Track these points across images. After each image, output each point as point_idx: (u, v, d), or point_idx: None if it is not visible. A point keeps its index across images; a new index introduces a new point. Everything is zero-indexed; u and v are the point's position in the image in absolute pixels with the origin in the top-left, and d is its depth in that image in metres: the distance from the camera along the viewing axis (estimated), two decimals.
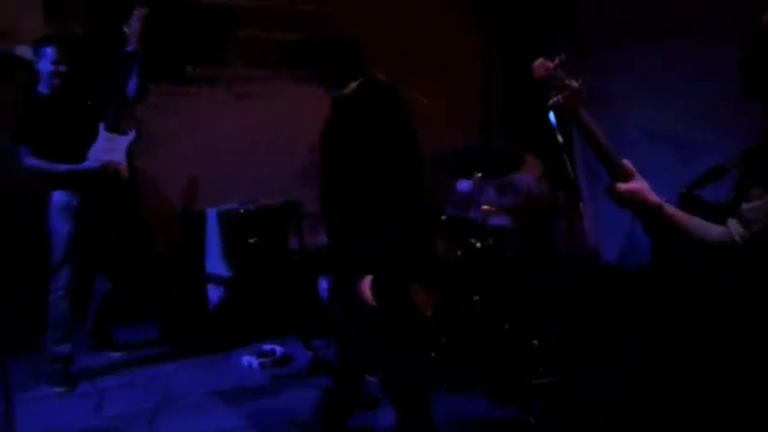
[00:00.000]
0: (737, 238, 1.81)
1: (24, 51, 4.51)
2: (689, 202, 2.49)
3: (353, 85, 3.03)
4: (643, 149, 4.51)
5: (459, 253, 3.89)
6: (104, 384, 3.97)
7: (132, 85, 3.94)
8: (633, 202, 1.91)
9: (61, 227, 3.91)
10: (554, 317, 3.85)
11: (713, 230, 1.85)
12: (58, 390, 3.88)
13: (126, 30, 3.84)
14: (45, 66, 3.89)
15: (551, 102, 1.89)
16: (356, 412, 3.23)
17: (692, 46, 4.53)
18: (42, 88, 3.94)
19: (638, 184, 1.90)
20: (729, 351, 2.08)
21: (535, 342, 3.72)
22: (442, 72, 5.63)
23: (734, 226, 1.82)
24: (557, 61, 1.91)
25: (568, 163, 3.56)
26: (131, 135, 4.02)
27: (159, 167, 5.16)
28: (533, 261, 4.11)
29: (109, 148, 3.95)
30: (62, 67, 3.88)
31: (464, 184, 4.23)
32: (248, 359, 4.22)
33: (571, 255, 4.24)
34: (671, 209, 1.90)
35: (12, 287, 4.06)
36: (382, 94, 3.07)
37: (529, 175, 4.44)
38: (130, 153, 4.05)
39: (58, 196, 3.94)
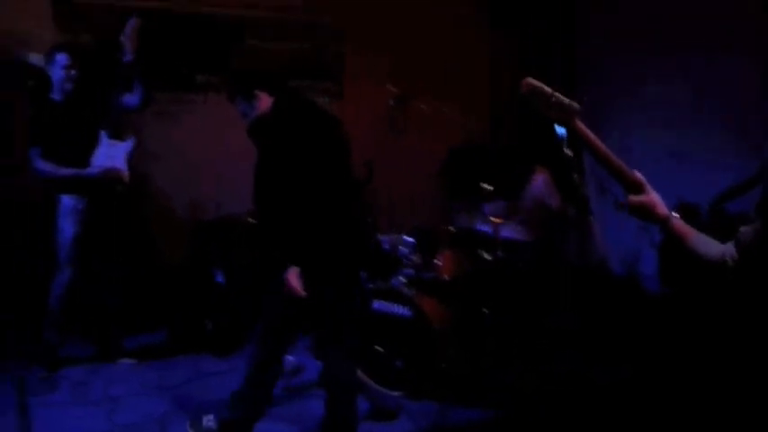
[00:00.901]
0: (729, 261, 1.81)
1: (37, 60, 4.60)
2: (715, 214, 2.53)
3: (267, 101, 3.14)
4: (647, 163, 4.55)
5: (468, 265, 3.92)
6: (116, 392, 3.99)
7: (135, 94, 4.13)
8: (643, 214, 1.94)
9: (68, 229, 4.09)
10: (565, 327, 3.88)
11: (714, 249, 1.86)
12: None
13: (122, 39, 4.02)
14: (57, 72, 4.07)
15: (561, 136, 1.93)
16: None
17: (696, 60, 4.58)
18: (55, 94, 4.10)
19: (648, 197, 1.94)
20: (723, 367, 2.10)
21: (544, 352, 3.75)
22: (452, 77, 5.67)
23: (729, 247, 1.83)
24: (554, 88, 1.94)
25: (577, 176, 3.59)
26: (130, 142, 4.21)
27: (167, 175, 5.21)
28: (544, 273, 4.13)
29: (110, 155, 4.13)
30: (73, 72, 4.06)
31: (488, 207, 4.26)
32: None
33: (581, 266, 4.27)
34: (677, 222, 1.92)
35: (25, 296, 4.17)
36: (302, 110, 3.18)
37: (538, 184, 4.46)
38: (130, 160, 4.20)
39: (66, 200, 4.10)
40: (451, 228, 4.34)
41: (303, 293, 3.00)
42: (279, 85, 3.23)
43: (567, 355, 3.76)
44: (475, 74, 6.03)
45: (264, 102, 3.18)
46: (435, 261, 4.05)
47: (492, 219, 3.95)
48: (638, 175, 1.96)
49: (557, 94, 1.89)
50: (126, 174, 4.15)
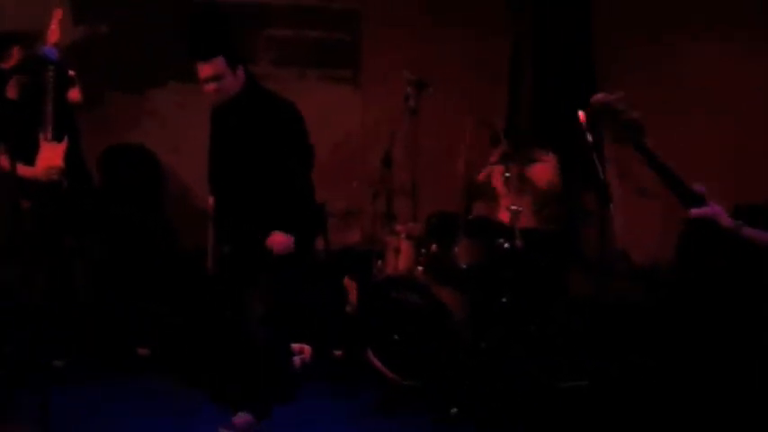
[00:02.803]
0: None
1: (50, 52, 4.58)
2: None
3: (242, 78, 3.27)
4: None
5: (486, 254, 3.87)
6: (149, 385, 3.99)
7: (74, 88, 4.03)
8: (708, 226, 1.93)
9: None
10: (583, 319, 3.82)
11: None
12: None
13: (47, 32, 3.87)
14: None
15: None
16: None
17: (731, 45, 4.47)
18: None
19: (711, 209, 1.92)
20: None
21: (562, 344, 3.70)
22: (469, 72, 5.61)
23: None
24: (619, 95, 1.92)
25: (598, 163, 3.52)
26: (65, 142, 4.00)
27: (185, 165, 5.20)
28: (563, 262, 4.07)
29: (49, 157, 3.96)
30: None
31: None
32: None
33: (601, 256, 4.20)
34: (747, 230, 1.94)
35: None
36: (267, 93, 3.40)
37: (546, 168, 4.38)
38: (72, 157, 4.04)
39: None
40: (470, 215, 4.29)
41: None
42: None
43: (581, 347, 3.70)
44: (494, 58, 5.94)
45: (240, 78, 3.26)
46: (454, 249, 3.99)
47: (512, 207, 3.89)
48: (699, 186, 1.94)
49: (627, 110, 1.89)
50: (59, 170, 3.94)
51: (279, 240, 3.22)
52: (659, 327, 3.67)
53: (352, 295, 4.49)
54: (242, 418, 3.23)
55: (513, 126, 4.44)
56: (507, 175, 4.07)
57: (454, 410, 3.46)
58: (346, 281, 4.52)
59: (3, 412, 3.39)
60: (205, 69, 3.22)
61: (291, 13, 5.43)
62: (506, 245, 3.84)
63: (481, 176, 4.52)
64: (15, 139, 3.85)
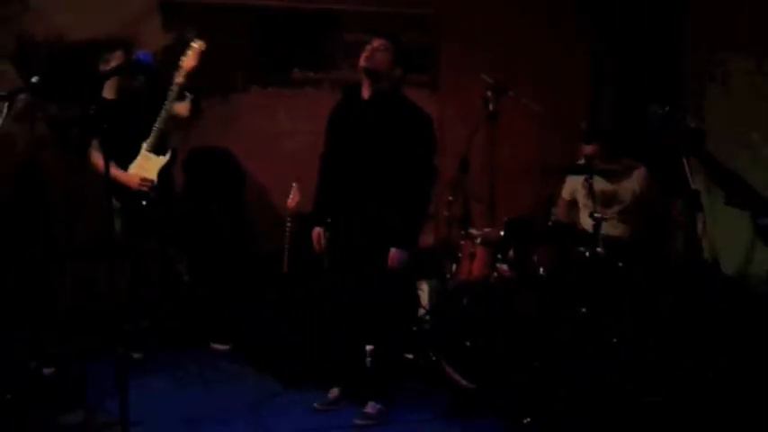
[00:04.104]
0: None
1: (144, 56, 4.74)
2: None
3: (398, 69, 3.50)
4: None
5: (566, 261, 3.77)
6: (209, 376, 4.12)
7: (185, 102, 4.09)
8: None
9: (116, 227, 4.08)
10: (667, 331, 3.66)
11: None
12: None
13: (181, 61, 4.00)
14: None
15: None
16: None
17: None
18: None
19: None
20: None
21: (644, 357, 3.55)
22: (549, 77, 5.50)
23: None
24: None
25: (688, 171, 3.39)
26: (168, 155, 4.13)
27: (265, 169, 5.30)
28: (647, 272, 3.92)
29: (144, 167, 4.08)
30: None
31: None
32: None
33: (689, 266, 4.02)
34: None
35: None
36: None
37: (638, 179, 4.25)
38: (166, 172, 4.14)
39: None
40: (549, 221, 4.20)
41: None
42: None
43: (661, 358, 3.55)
44: (574, 66, 5.81)
45: (394, 75, 3.54)
46: (532, 255, 3.91)
47: (596, 215, 3.78)
48: None
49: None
50: (150, 184, 4.06)
51: (397, 258, 3.44)
52: (745, 338, 3.49)
53: (424, 299, 4.47)
54: (373, 407, 3.54)
55: (597, 133, 4.32)
56: (590, 183, 3.95)
57: (527, 420, 3.38)
58: (419, 284, 4.50)
59: (81, 401, 3.52)
60: (377, 41, 3.50)
61: (369, 19, 5.46)
62: (587, 253, 3.74)
63: (565, 195, 4.46)
64: (109, 140, 3.99)
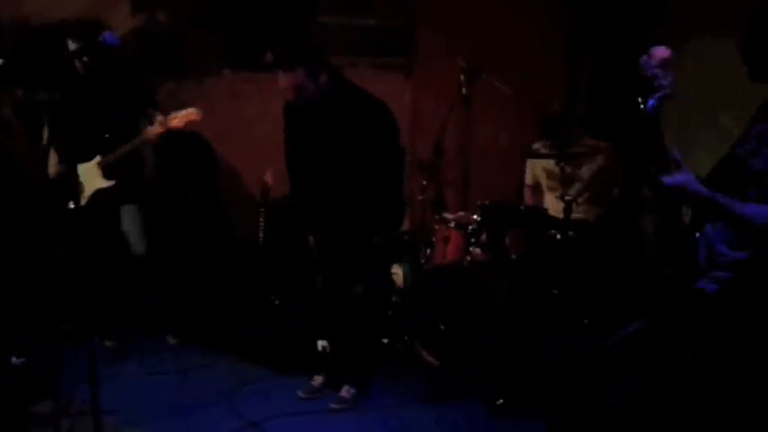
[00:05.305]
0: None
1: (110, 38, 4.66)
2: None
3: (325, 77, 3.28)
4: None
5: (538, 245, 3.80)
6: (184, 364, 4.10)
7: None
8: (682, 194, 1.91)
9: None
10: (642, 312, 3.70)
11: (765, 212, 1.84)
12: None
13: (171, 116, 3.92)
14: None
15: (648, 105, 1.88)
16: None
17: None
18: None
19: (685, 177, 1.89)
20: None
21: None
22: (525, 61, 5.49)
23: None
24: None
25: (659, 154, 3.41)
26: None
27: (237, 153, 5.27)
28: (618, 255, 3.96)
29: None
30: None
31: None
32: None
33: (660, 248, 4.07)
34: (723, 198, 1.89)
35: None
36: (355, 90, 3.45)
37: (598, 159, 4.26)
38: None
39: None
40: (522, 206, 4.21)
41: None
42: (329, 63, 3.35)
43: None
44: (549, 48, 5.80)
45: (323, 78, 3.23)
46: (504, 239, 3.93)
47: (566, 197, 3.80)
48: (675, 152, 1.92)
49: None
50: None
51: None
52: (723, 320, 3.53)
53: (398, 282, 4.49)
54: (348, 391, 3.53)
55: (571, 114, 4.32)
56: (562, 166, 3.97)
57: (500, 401, 3.42)
58: (393, 268, 4.50)
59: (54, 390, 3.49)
60: (283, 80, 3.24)
61: (344, 1, 5.41)
62: (558, 235, 3.76)
63: (528, 180, 4.48)
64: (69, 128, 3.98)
